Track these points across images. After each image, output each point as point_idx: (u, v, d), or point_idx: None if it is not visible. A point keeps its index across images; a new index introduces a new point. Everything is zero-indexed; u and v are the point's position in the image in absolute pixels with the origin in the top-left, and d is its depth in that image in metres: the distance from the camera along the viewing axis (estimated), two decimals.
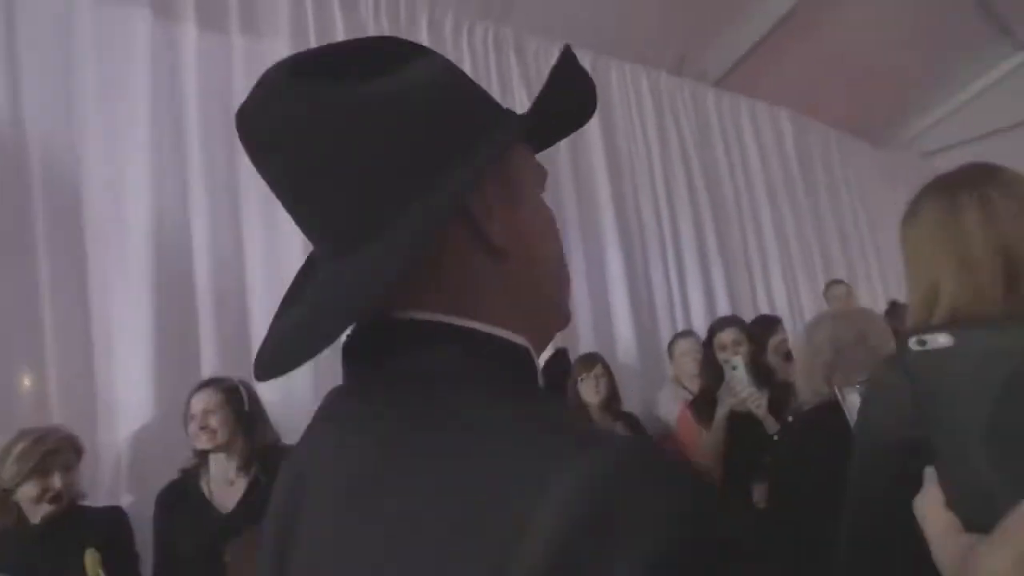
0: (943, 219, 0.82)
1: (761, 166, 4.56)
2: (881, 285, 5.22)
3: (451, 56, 0.51)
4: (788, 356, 2.72)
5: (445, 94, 0.44)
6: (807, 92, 4.98)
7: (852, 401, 1.12)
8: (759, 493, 2.15)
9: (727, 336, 2.57)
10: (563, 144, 3.24)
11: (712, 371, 2.57)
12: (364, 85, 0.42)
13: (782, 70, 4.71)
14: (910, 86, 6.08)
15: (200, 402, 1.91)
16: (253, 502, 1.86)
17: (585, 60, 3.54)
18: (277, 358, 0.44)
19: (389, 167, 0.41)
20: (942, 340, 0.56)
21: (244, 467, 1.93)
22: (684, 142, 4.04)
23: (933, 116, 6.85)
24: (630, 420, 2.71)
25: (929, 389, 0.57)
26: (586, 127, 0.59)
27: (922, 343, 0.57)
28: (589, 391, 2.63)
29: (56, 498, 1.69)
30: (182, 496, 1.92)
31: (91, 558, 1.60)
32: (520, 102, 3.14)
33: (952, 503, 0.56)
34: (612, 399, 2.69)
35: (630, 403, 2.88)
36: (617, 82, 3.72)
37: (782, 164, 4.77)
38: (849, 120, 5.63)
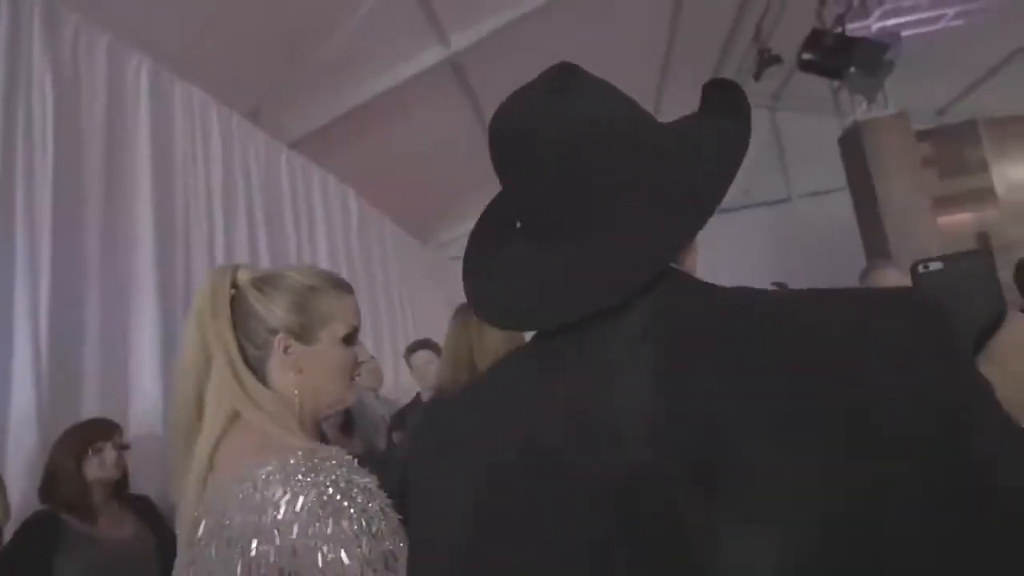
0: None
1: (326, 237, 4.44)
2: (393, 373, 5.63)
3: None
4: None
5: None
6: (374, 176, 5.20)
7: None
8: None
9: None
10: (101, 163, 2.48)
11: None
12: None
13: (357, 150, 4.81)
14: (457, 194, 7.05)
15: None
16: None
17: (142, 65, 2.86)
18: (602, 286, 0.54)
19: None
20: None
21: None
22: (251, 193, 3.61)
23: (461, 231, 8.14)
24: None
25: None
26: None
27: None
28: None
29: None
30: None
31: None
32: (40, 78, 2.26)
33: None
34: None
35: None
36: (181, 103, 3.08)
37: (345, 241, 4.77)
38: (404, 213, 6.12)
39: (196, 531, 0.87)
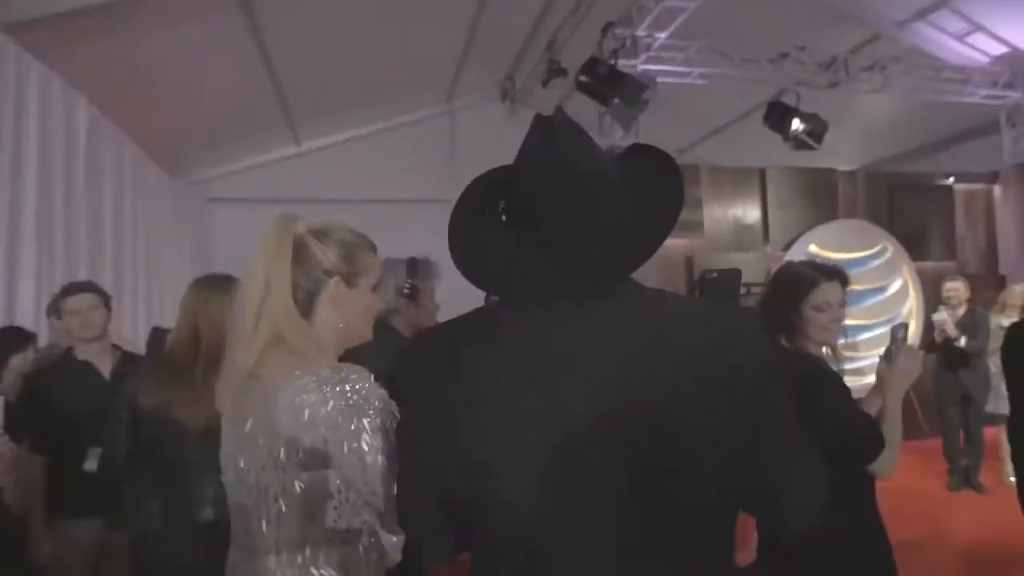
0: None
1: (39, 144, 3.70)
2: (145, 309, 4.99)
3: None
4: None
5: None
6: (119, 91, 4.47)
7: None
8: None
9: None
10: None
11: None
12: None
13: (99, 54, 4.08)
14: (223, 131, 6.36)
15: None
16: None
17: None
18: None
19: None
20: None
21: None
22: None
23: (223, 169, 7.41)
24: None
25: None
26: None
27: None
28: None
29: None
30: None
31: None
32: None
33: None
34: None
35: None
36: None
37: (68, 155, 4.03)
38: (154, 139, 5.36)
39: (244, 425, 1.13)
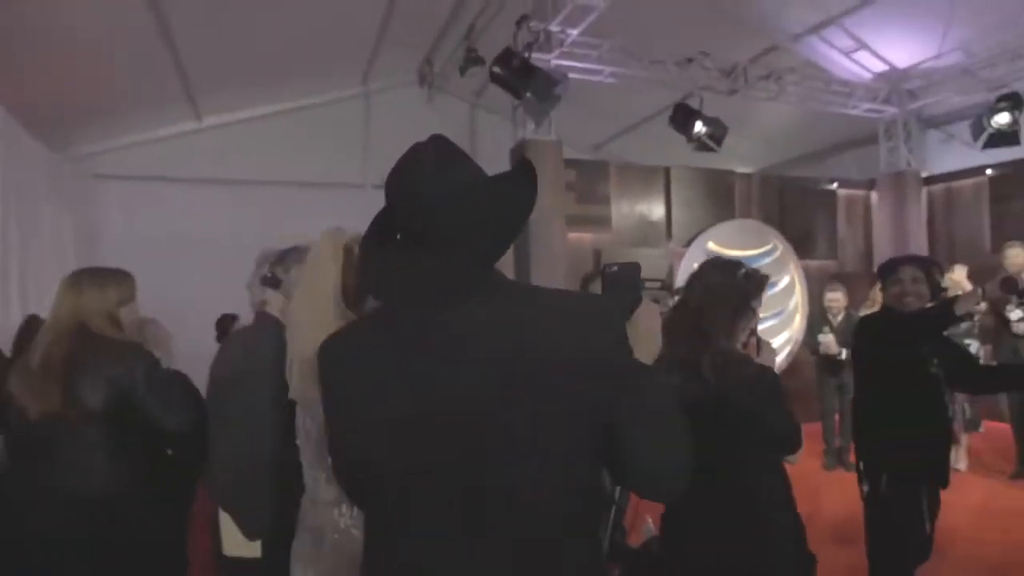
0: None
1: None
2: (19, 295, 4.56)
3: None
4: None
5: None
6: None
7: None
8: None
9: None
10: None
11: None
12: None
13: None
14: (111, 103, 5.90)
15: None
16: None
17: None
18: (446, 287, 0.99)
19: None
20: None
21: None
22: None
23: (112, 144, 6.87)
24: None
25: None
26: None
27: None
28: None
29: None
30: None
31: None
32: None
33: None
34: None
35: None
36: None
37: None
38: (29, 107, 4.90)
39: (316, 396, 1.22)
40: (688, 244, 6.69)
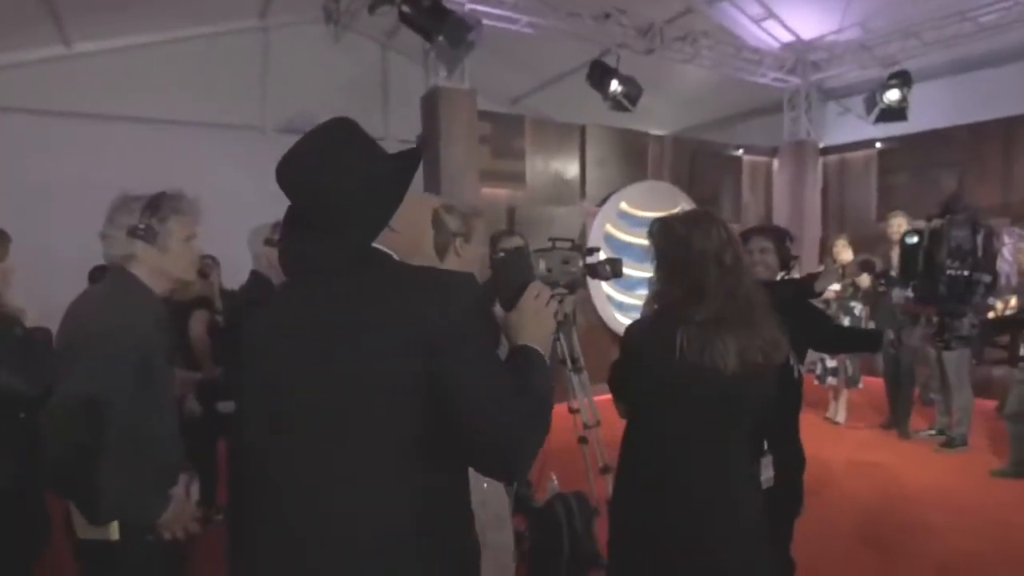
0: None
1: None
2: None
3: None
4: None
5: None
6: None
7: None
8: None
9: None
10: None
11: None
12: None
13: None
14: None
15: None
16: None
17: None
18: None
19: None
20: None
21: None
22: None
23: None
24: None
25: None
26: None
27: None
28: None
29: None
30: None
31: None
32: None
33: None
34: None
35: None
36: None
37: None
38: None
39: None
40: (601, 203, 6.67)
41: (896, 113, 6.68)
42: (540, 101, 8.89)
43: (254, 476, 1.07)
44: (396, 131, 6.96)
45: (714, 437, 1.62)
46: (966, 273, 2.19)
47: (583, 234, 6.51)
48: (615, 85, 6.35)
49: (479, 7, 5.41)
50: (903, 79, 6.60)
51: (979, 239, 2.21)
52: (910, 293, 2.29)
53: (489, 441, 0.98)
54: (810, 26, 7.09)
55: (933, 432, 5.12)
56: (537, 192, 6.37)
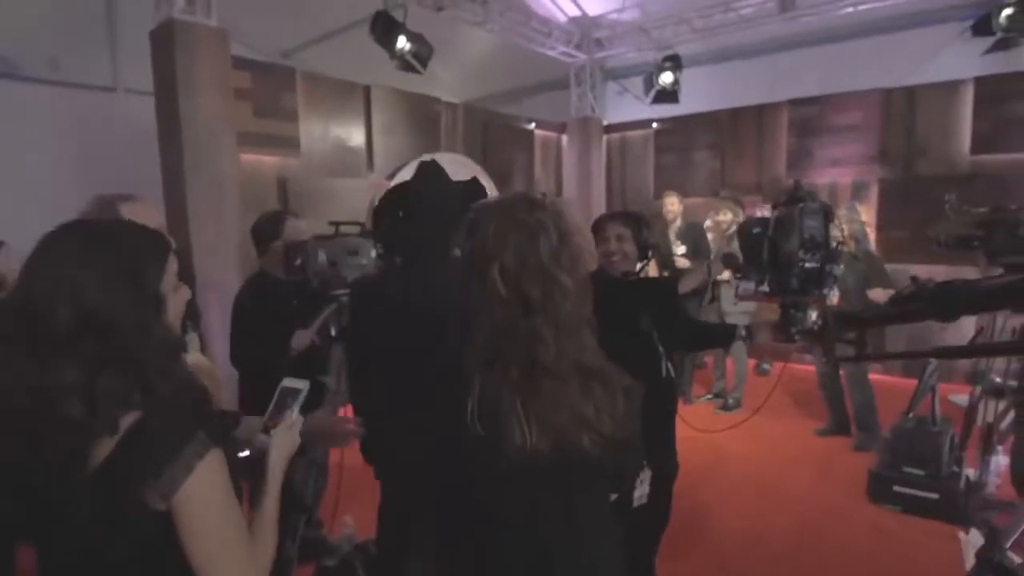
0: None
1: None
2: None
3: None
4: None
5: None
6: None
7: None
8: None
9: None
10: None
11: None
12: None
13: None
14: None
15: None
16: None
17: None
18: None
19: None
20: None
21: None
22: None
23: None
24: None
25: None
26: None
27: None
28: None
29: None
30: None
31: None
32: None
33: None
34: None
35: None
36: None
37: None
38: None
39: None
40: (391, 176, 5.86)
41: (670, 95, 6.89)
42: (317, 56, 7.68)
43: None
44: (127, 78, 5.35)
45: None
46: (818, 265, 1.96)
47: (371, 211, 5.68)
48: (403, 42, 5.54)
49: None
50: (675, 63, 6.79)
51: (830, 229, 1.96)
52: (755, 287, 1.97)
53: None
54: (595, 2, 6.96)
55: (710, 396, 5.38)
56: (315, 161, 5.36)
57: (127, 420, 0.90)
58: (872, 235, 6.26)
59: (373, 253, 2.68)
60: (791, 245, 2.03)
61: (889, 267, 6.01)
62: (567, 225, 1.11)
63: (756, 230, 2.15)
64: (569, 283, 1.07)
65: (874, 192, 6.28)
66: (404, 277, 1.85)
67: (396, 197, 2.02)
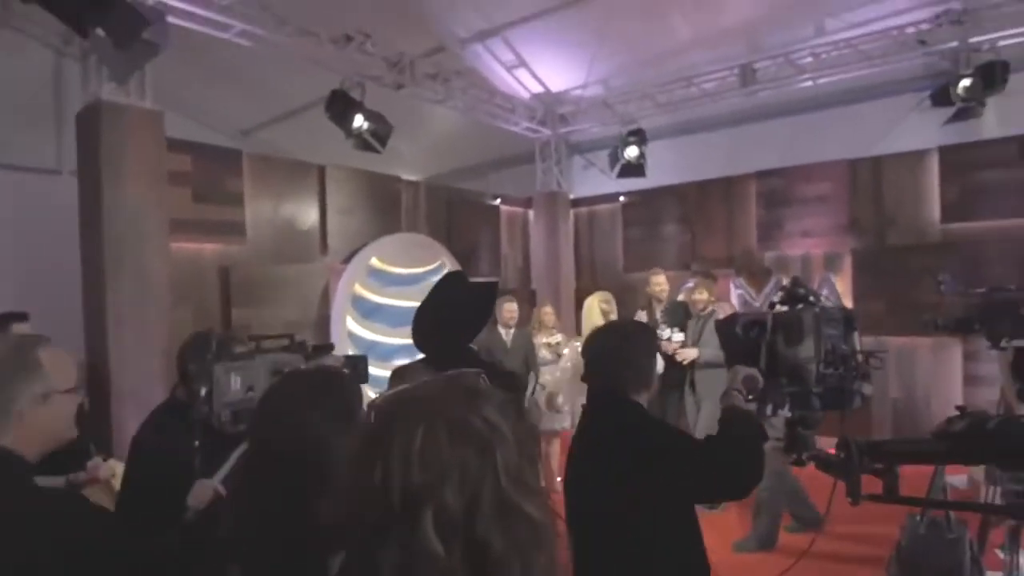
0: None
1: None
2: None
3: None
4: None
5: None
6: None
7: None
8: None
9: None
10: None
11: None
12: None
13: None
14: None
15: None
16: None
17: None
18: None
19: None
20: None
21: None
22: None
23: None
24: None
25: None
26: None
27: None
28: None
29: None
30: None
31: None
32: None
33: None
34: None
35: None
36: None
37: None
38: None
39: None
40: (348, 259, 5.46)
41: (636, 169, 6.75)
42: (276, 134, 7.41)
43: None
44: (72, 160, 4.94)
45: None
46: (837, 383, 1.59)
47: (326, 296, 5.23)
48: (361, 121, 5.27)
49: (170, 1, 3.92)
50: (640, 137, 6.69)
51: (855, 339, 1.60)
52: (770, 410, 1.59)
53: None
54: (558, 79, 6.89)
55: None
56: (263, 247, 4.93)
57: None
58: (850, 306, 6.06)
59: (303, 366, 2.22)
60: (803, 353, 1.67)
61: (868, 339, 5.83)
62: (520, 408, 0.73)
63: (753, 332, 1.79)
64: (540, 516, 0.64)
65: (848, 263, 6.11)
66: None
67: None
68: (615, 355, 1.80)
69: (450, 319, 2.08)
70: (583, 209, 7.86)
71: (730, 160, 6.84)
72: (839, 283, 6.15)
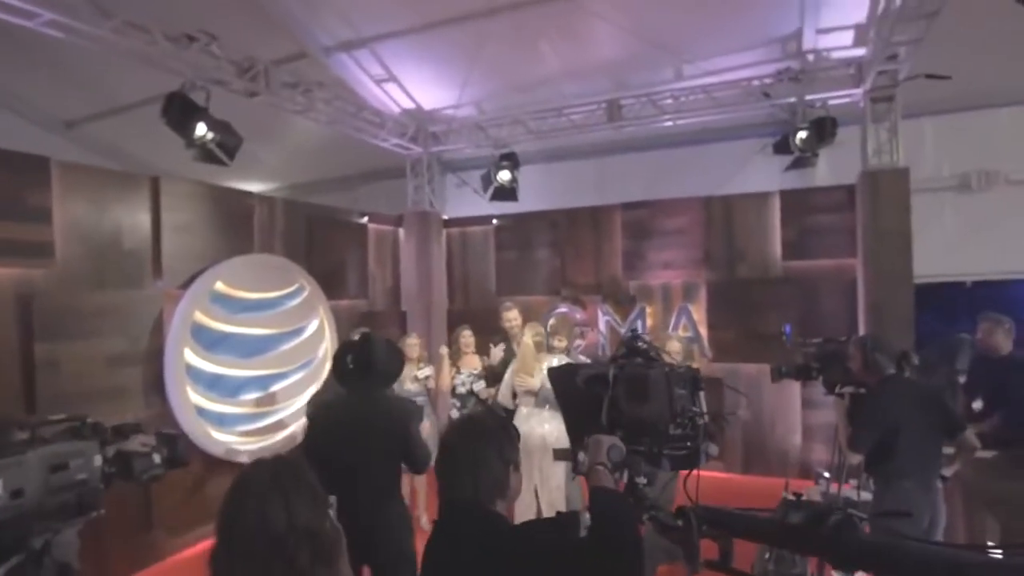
0: None
1: None
2: None
3: None
4: None
5: None
6: None
7: None
8: None
9: None
10: None
11: None
12: None
13: None
14: None
15: None
16: None
17: None
18: None
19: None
20: None
21: None
22: None
23: None
24: None
25: None
26: None
27: None
28: None
29: None
30: None
31: None
32: None
33: None
34: None
35: None
36: None
37: None
38: None
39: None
40: (186, 284, 4.85)
41: (508, 192, 6.69)
42: (105, 131, 6.51)
43: None
44: None
45: None
46: (691, 441, 1.56)
47: (159, 326, 4.61)
48: (204, 130, 4.72)
49: None
50: (513, 161, 6.65)
51: (701, 399, 1.59)
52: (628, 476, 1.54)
53: None
54: (430, 96, 6.67)
55: None
56: (75, 270, 4.22)
57: None
58: (704, 334, 6.40)
59: (99, 461, 1.85)
60: (651, 411, 1.60)
61: (720, 366, 6.19)
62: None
63: (595, 386, 1.69)
64: None
65: (703, 294, 6.44)
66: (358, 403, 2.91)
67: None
68: (470, 459, 1.60)
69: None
70: (456, 230, 7.69)
71: (598, 189, 7.00)
72: (695, 312, 6.47)
